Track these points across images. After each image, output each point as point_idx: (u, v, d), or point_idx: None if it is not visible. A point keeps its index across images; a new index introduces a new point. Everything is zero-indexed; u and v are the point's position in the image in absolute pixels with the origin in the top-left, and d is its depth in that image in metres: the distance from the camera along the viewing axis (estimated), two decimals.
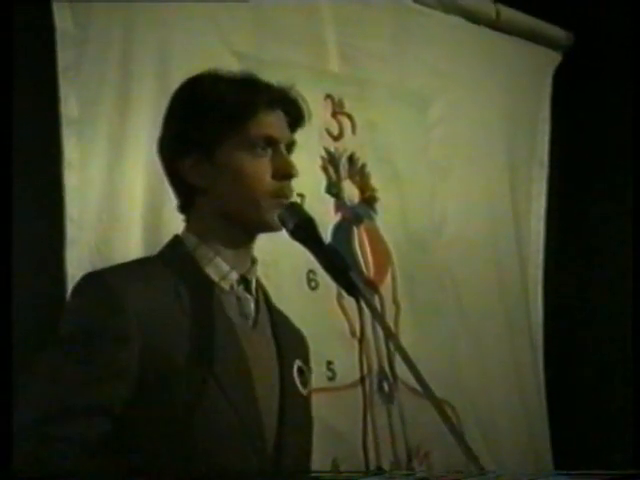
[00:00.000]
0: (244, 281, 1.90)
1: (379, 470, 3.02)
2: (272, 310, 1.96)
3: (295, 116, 1.93)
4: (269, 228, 1.88)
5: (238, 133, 1.85)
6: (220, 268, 1.87)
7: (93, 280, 1.83)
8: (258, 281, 1.95)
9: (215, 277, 1.87)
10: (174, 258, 1.88)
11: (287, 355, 1.93)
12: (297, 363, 1.95)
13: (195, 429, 1.76)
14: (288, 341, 1.96)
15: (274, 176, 1.85)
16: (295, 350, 1.98)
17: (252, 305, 1.91)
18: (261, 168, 1.85)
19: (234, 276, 1.88)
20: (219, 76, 1.91)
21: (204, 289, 1.85)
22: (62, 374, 1.73)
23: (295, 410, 1.91)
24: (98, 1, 2.65)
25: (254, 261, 1.93)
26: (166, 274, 1.84)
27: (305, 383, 1.95)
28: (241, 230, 1.89)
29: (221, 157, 1.86)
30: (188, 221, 1.93)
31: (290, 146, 1.92)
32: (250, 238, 1.91)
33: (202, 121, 1.86)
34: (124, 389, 1.74)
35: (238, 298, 1.89)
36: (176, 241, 1.92)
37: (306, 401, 1.97)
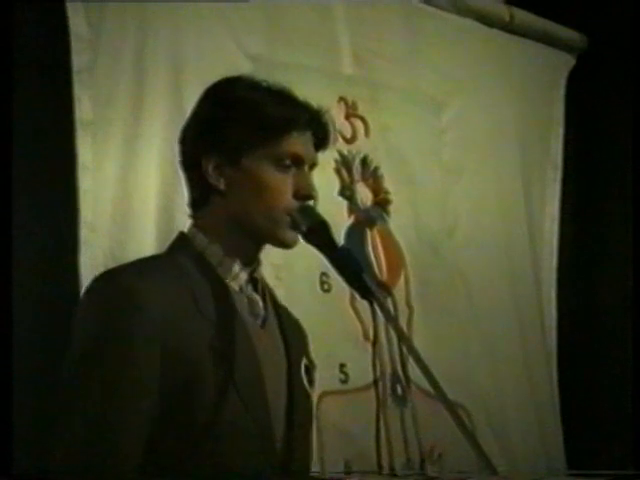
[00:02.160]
0: (252, 281, 1.90)
1: (392, 472, 3.03)
2: (278, 309, 1.97)
3: (322, 139, 1.93)
4: (279, 244, 1.88)
5: (269, 145, 1.85)
6: (230, 268, 1.87)
7: (107, 280, 1.82)
8: (263, 280, 1.95)
9: (226, 277, 1.87)
10: (186, 256, 1.87)
11: (294, 354, 1.94)
12: (304, 361, 1.96)
13: (215, 430, 1.76)
14: (295, 339, 1.96)
15: (295, 195, 1.85)
16: (300, 348, 1.98)
17: (261, 305, 1.91)
18: (283, 184, 1.85)
19: (244, 276, 1.88)
20: (255, 83, 1.90)
21: (217, 289, 1.84)
22: (86, 386, 1.73)
23: (302, 409, 1.91)
24: (112, 1, 2.66)
25: (259, 261, 1.92)
26: (179, 273, 1.83)
27: (311, 381, 1.96)
28: (249, 239, 1.88)
29: (245, 164, 1.85)
30: (197, 218, 1.91)
31: (312, 167, 1.91)
32: (258, 247, 1.91)
33: (234, 125, 1.85)
34: (151, 395, 1.74)
35: (248, 298, 1.89)
36: (184, 238, 1.91)
37: (311, 399, 1.97)
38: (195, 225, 1.91)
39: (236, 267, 1.87)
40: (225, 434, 1.77)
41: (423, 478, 2.94)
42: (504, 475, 1.68)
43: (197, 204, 1.92)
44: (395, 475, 2.96)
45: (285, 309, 2.03)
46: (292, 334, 1.96)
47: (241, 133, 1.85)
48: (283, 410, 1.88)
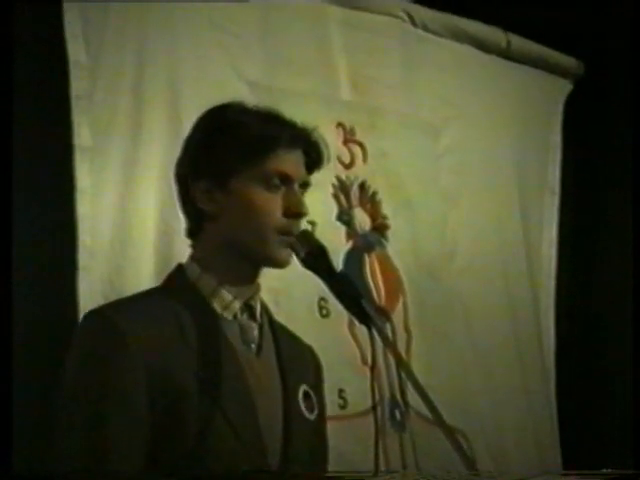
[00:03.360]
0: (248, 308, 1.91)
1: None
2: (277, 334, 1.97)
3: (314, 158, 1.94)
4: (272, 263, 1.89)
5: (255, 165, 1.86)
6: (223, 298, 1.88)
7: (94, 318, 1.85)
8: (263, 305, 1.96)
9: (218, 307, 1.88)
10: (177, 289, 1.90)
11: (291, 380, 1.94)
12: (303, 388, 1.96)
13: (203, 459, 1.78)
14: (294, 365, 1.96)
15: (285, 213, 1.86)
16: (302, 374, 1.98)
17: (255, 332, 1.92)
18: (273, 203, 1.86)
19: (237, 305, 1.89)
20: (245, 108, 1.92)
21: (207, 320, 1.86)
22: (79, 420, 1.75)
23: (300, 435, 1.91)
24: (110, 29, 2.67)
25: (258, 287, 1.93)
26: (169, 306, 1.85)
27: (311, 408, 1.96)
28: (245, 261, 1.89)
29: (234, 186, 1.87)
30: (193, 247, 1.94)
31: (304, 186, 1.92)
32: (255, 269, 1.92)
33: (222, 149, 1.87)
34: (141, 434, 1.76)
35: (241, 326, 1.90)
36: (179, 271, 1.93)
37: (315, 425, 1.97)
38: (191, 255, 1.93)
39: (229, 296, 1.88)
40: (215, 460, 1.79)
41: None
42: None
43: (193, 233, 1.94)
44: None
45: (290, 336, 2.04)
46: (292, 361, 1.96)
47: (228, 156, 1.87)
48: (280, 437, 1.88)
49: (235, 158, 1.86)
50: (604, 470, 1.57)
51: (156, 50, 2.79)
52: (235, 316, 1.89)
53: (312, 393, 1.97)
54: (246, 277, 1.91)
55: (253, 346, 1.91)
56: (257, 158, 1.86)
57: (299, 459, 1.89)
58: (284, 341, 1.98)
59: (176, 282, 1.91)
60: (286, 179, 1.88)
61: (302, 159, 1.91)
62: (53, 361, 1.94)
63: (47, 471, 1.75)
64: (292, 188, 1.88)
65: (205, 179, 1.88)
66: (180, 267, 1.93)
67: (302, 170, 1.91)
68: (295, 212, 1.87)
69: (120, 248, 2.62)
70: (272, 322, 1.98)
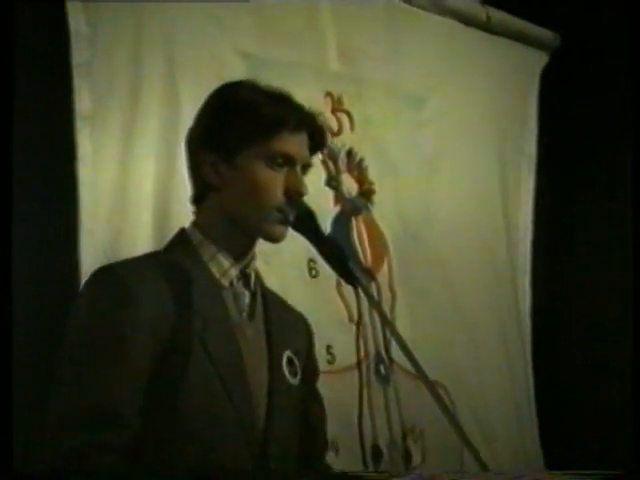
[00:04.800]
0: (243, 276, 1.99)
1: (375, 449, 3.12)
2: (267, 301, 2.04)
3: (317, 141, 2.01)
4: (268, 238, 1.96)
5: (262, 144, 1.92)
6: (221, 264, 1.95)
7: (105, 273, 1.90)
8: (256, 273, 2.03)
9: (216, 273, 1.95)
10: (180, 252, 1.96)
11: (277, 346, 2.01)
12: (287, 354, 2.02)
13: (196, 421, 1.84)
14: (281, 331, 2.03)
15: (285, 192, 1.92)
16: (288, 340, 2.04)
17: (247, 300, 1.99)
18: (275, 182, 1.92)
19: (234, 272, 1.97)
20: (257, 87, 1.99)
21: (207, 285, 1.93)
22: (83, 372, 1.81)
23: (283, 399, 1.98)
24: (109, 1, 2.72)
25: (253, 256, 2.01)
26: (173, 269, 1.92)
27: (294, 373, 2.02)
28: (243, 233, 1.97)
29: (240, 162, 1.93)
30: (196, 214, 2.01)
31: (306, 168, 1.99)
32: (251, 240, 1.99)
33: (232, 125, 1.94)
34: (140, 387, 1.81)
35: (235, 294, 1.97)
36: (182, 235, 2.00)
37: (298, 390, 2.03)
38: (194, 221, 2.01)
39: (227, 263, 1.96)
40: (208, 421, 1.85)
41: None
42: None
43: (197, 201, 2.01)
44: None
45: (281, 303, 2.11)
46: (280, 327, 2.03)
47: (237, 132, 1.93)
48: (265, 401, 1.95)
49: (243, 135, 1.92)
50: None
51: (152, 20, 2.83)
52: (231, 283, 1.96)
53: (296, 359, 2.03)
54: (243, 247, 1.98)
55: (246, 313, 1.98)
56: (264, 137, 1.92)
57: (282, 421, 1.96)
58: (274, 308, 2.05)
59: (180, 246, 1.98)
60: (290, 160, 1.94)
61: (306, 142, 1.98)
62: (55, 329, 1.95)
63: (48, 470, 1.75)
64: (294, 169, 1.95)
65: (213, 152, 1.94)
66: (183, 232, 2.00)
67: (305, 152, 1.97)
68: (295, 192, 1.93)
69: (120, 212, 2.67)
70: (264, 289, 2.05)
